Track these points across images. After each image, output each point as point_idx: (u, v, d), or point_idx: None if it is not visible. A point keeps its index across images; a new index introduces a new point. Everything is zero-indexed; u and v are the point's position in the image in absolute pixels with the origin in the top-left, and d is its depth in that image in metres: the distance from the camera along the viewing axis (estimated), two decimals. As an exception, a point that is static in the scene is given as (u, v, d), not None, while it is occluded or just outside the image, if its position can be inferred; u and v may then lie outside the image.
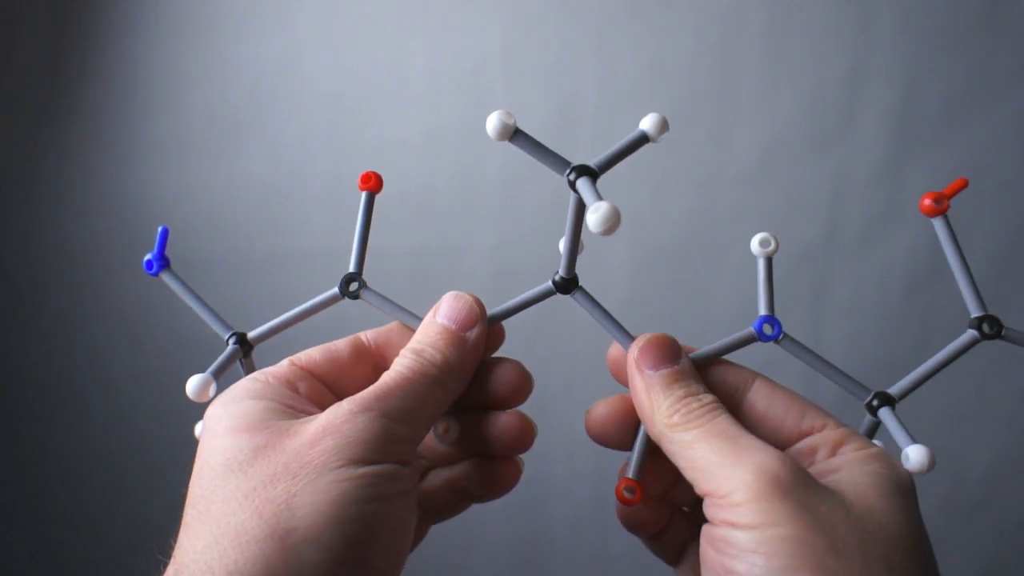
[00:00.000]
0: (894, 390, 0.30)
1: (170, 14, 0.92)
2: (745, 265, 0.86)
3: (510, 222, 0.90)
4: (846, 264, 0.85)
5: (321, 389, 0.30)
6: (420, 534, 0.34)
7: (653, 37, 0.86)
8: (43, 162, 0.95)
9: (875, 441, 0.30)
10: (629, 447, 0.32)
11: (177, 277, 0.33)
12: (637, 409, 0.29)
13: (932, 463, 0.28)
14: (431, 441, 0.33)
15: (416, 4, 0.89)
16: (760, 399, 0.29)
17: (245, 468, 0.25)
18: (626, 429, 0.31)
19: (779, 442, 0.28)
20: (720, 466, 0.25)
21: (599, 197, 0.24)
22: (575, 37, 0.87)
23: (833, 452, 0.27)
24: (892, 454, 0.28)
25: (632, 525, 0.32)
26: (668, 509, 0.32)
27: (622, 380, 0.31)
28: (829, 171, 0.84)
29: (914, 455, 0.28)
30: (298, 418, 0.27)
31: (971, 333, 0.30)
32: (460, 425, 0.32)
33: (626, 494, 0.30)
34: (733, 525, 0.24)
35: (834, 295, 0.85)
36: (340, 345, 0.31)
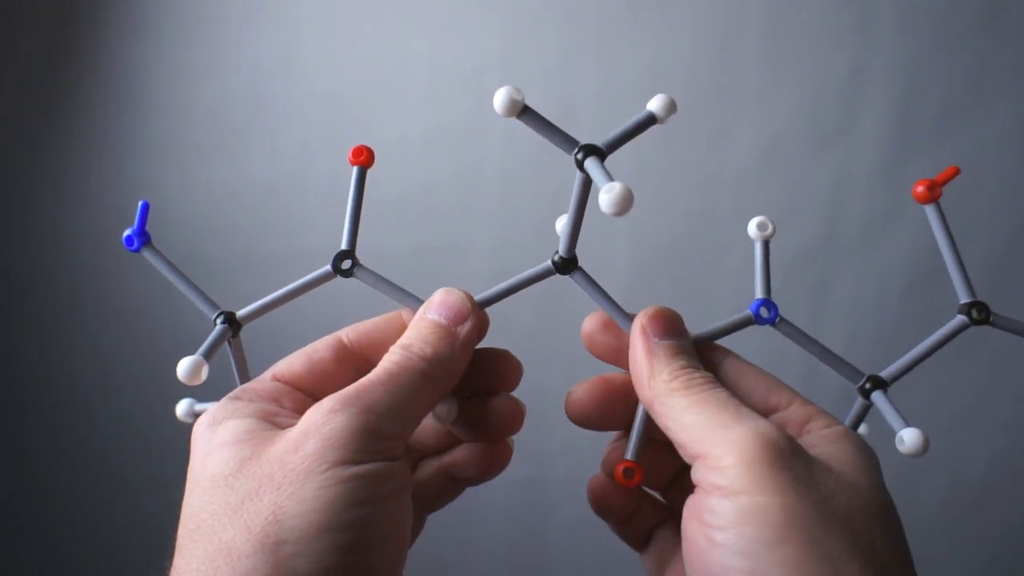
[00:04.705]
0: (885, 374, 0.30)
1: (170, 14, 0.92)
2: (745, 265, 0.86)
3: (510, 222, 0.90)
4: (846, 264, 0.85)
5: (306, 400, 0.30)
6: (418, 525, 0.33)
7: (653, 37, 0.86)
8: (43, 162, 0.95)
9: (863, 425, 0.30)
10: (609, 427, 0.32)
11: (159, 254, 0.32)
12: (632, 372, 0.29)
13: (926, 446, 0.28)
14: (418, 433, 0.33)
15: (417, 4, 0.89)
16: (729, 374, 0.30)
17: (231, 482, 0.24)
18: (605, 410, 0.31)
19: None
20: (714, 429, 0.25)
21: (610, 178, 0.24)
22: (575, 37, 0.87)
23: (800, 431, 0.28)
24: (887, 437, 0.28)
25: (602, 509, 0.32)
26: (638, 494, 0.32)
27: (596, 352, 0.31)
28: (829, 171, 0.84)
29: (908, 438, 0.28)
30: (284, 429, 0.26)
31: (960, 319, 0.30)
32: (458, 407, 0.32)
33: (625, 476, 0.30)
34: (721, 489, 0.24)
35: (834, 295, 0.85)
36: (321, 352, 0.31)
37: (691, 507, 0.25)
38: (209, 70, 0.93)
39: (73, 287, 0.98)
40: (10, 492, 1.02)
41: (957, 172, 0.30)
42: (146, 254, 0.32)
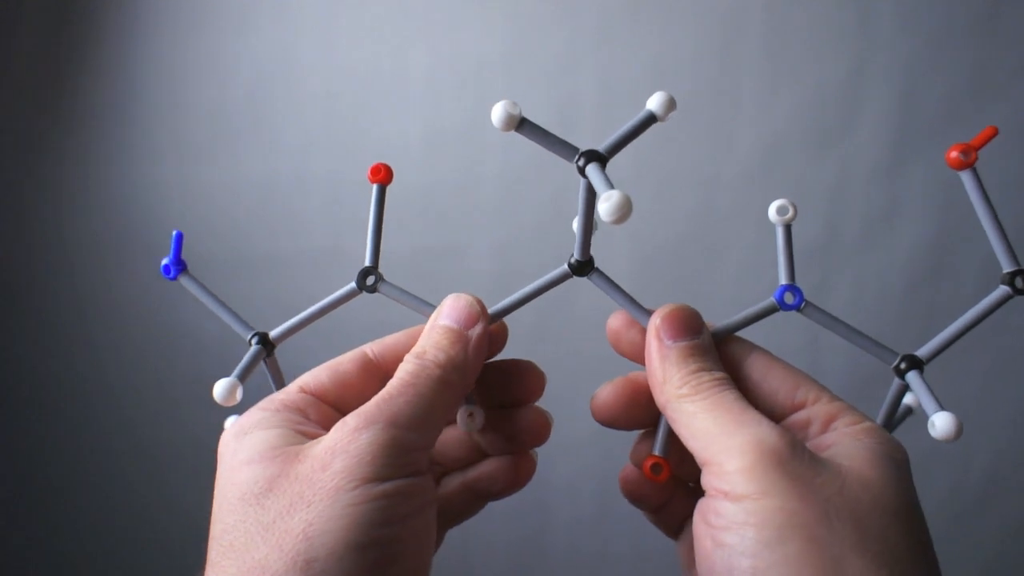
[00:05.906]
0: (922, 352, 0.29)
1: (170, 14, 0.92)
2: (745, 265, 0.87)
3: (510, 222, 0.90)
4: (846, 264, 0.85)
5: (331, 413, 0.30)
6: (438, 540, 0.34)
7: (653, 37, 0.86)
8: (43, 162, 0.95)
9: (910, 395, 0.29)
10: (636, 427, 0.32)
11: (195, 280, 0.33)
12: (648, 376, 0.29)
13: (959, 431, 0.26)
14: (443, 447, 0.33)
15: (416, 4, 0.89)
16: (756, 370, 0.29)
17: (261, 500, 0.25)
18: (632, 410, 0.31)
19: (773, 414, 0.28)
20: (718, 436, 0.25)
21: (610, 185, 0.24)
22: (575, 37, 0.87)
23: (826, 427, 0.27)
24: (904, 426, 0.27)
25: (635, 499, 0.32)
26: (671, 484, 0.32)
27: (621, 350, 0.31)
28: (829, 171, 0.84)
29: (940, 423, 0.27)
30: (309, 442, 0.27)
31: (1003, 289, 0.28)
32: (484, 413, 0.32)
33: (653, 472, 0.30)
34: (725, 495, 0.24)
35: (834, 295, 0.85)
36: (347, 364, 0.31)
37: (700, 509, 0.26)
38: (208, 71, 0.93)
39: (73, 287, 0.98)
40: (11, 492, 1.01)
41: (995, 133, 0.27)
42: (183, 281, 0.33)
